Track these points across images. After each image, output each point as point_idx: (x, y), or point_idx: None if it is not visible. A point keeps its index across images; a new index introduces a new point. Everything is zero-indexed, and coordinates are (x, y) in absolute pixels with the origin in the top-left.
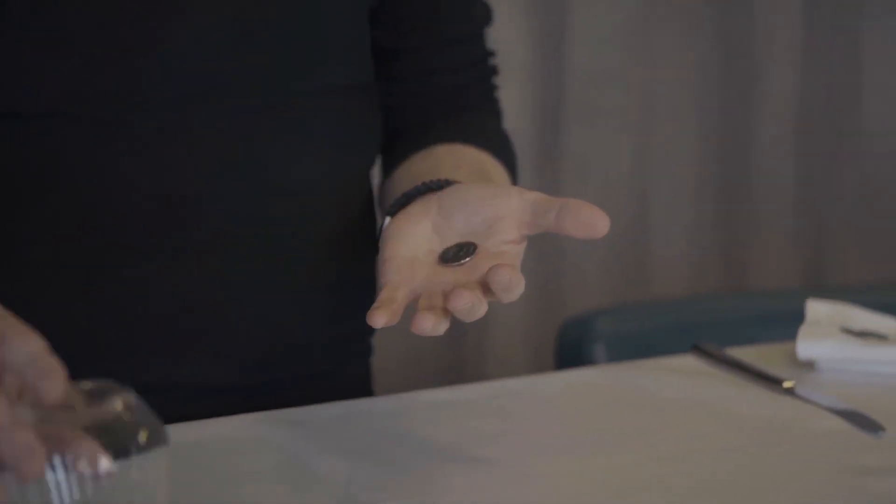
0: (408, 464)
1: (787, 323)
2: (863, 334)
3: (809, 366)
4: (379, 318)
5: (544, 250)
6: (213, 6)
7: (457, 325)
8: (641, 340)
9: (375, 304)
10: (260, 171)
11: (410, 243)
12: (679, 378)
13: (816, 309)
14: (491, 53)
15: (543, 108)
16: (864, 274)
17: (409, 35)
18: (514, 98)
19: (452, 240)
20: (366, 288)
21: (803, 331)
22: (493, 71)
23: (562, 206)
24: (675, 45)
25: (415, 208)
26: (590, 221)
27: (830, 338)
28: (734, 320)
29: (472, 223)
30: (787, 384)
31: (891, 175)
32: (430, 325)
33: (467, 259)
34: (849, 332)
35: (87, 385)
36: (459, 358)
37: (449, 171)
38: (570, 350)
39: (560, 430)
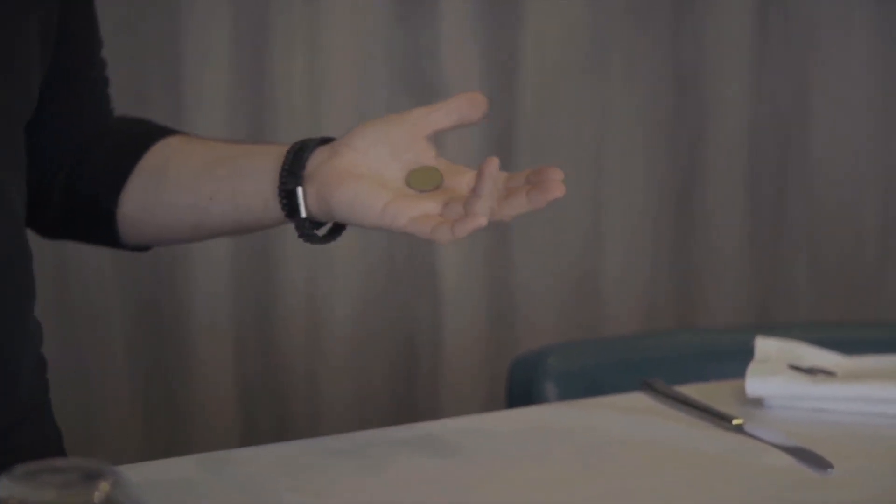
0: (357, 502)
1: (736, 359)
2: (811, 371)
3: (758, 403)
4: (481, 216)
5: (497, 289)
6: None
7: (410, 363)
8: (592, 378)
9: (439, 224)
10: None
11: (387, 182)
12: (629, 416)
13: (765, 346)
14: (106, 63)
15: (495, 141)
16: (814, 311)
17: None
18: (463, 131)
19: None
20: (28, 328)
21: (752, 368)
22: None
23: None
24: (627, 79)
25: (339, 162)
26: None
27: (779, 375)
28: (684, 357)
29: (401, 156)
30: (736, 421)
31: (840, 214)
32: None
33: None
34: (797, 369)
35: (74, 463)
36: (412, 396)
37: (228, 145)
38: (521, 388)
39: (510, 468)
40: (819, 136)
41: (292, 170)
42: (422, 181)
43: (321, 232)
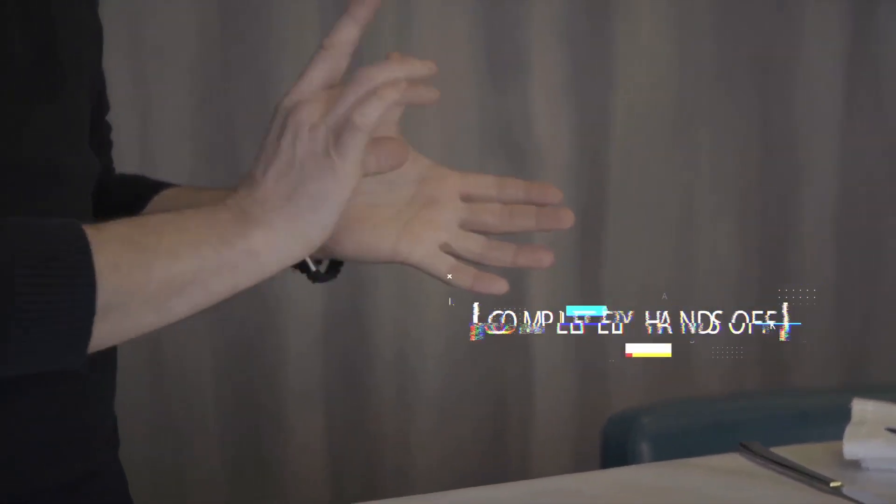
0: None
1: (827, 421)
2: None
3: (855, 465)
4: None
5: (587, 348)
6: None
7: (500, 422)
8: (685, 438)
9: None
10: None
11: (384, 209)
12: (725, 477)
13: (862, 408)
14: (111, 128)
15: (584, 202)
16: None
17: None
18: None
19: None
20: (107, 376)
21: (849, 430)
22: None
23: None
24: (715, 142)
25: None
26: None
27: (877, 438)
28: (778, 418)
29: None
30: (834, 484)
31: None
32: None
33: None
34: (894, 431)
35: None
36: (504, 455)
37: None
38: (615, 448)
39: None
40: None
41: None
42: None
43: (323, 268)
